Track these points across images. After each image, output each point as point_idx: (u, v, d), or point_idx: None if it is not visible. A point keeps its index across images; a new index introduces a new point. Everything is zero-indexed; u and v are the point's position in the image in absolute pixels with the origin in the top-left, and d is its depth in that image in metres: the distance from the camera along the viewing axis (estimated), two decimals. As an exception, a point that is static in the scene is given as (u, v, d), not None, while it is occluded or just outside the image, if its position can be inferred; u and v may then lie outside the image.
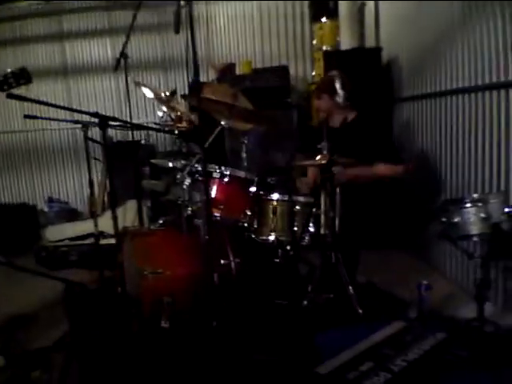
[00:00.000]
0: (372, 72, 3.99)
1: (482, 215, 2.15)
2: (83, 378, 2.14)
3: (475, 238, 2.24)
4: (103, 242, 2.85)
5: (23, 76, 1.99)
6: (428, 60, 3.51)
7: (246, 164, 3.12)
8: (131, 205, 3.44)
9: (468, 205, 2.20)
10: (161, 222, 2.62)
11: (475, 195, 2.42)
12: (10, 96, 1.92)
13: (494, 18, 2.54)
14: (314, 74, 4.90)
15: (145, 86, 2.91)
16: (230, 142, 4.01)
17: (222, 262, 2.53)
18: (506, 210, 2.20)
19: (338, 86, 2.99)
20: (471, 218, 2.18)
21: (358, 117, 3.07)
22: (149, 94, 2.85)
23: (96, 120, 2.14)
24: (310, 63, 5.22)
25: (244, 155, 3.25)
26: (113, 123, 2.22)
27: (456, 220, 2.21)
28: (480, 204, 2.18)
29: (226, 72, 4.47)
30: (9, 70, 1.99)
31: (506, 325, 2.43)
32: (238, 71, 4.80)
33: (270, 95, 4.11)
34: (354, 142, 2.78)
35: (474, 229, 2.19)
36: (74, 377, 2.12)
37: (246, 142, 3.12)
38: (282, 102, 4.21)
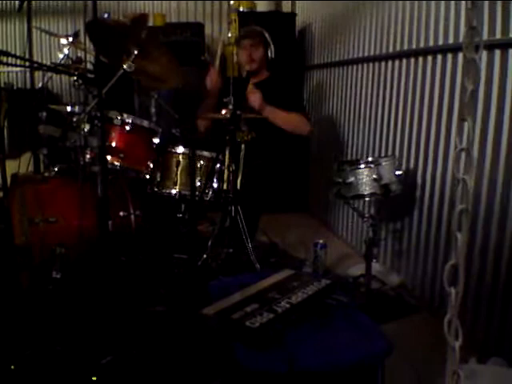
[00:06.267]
0: (286, 37, 4.01)
1: (374, 176, 2.27)
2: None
3: (367, 198, 2.37)
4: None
5: None
6: (337, 30, 3.59)
7: (154, 119, 3.03)
8: (26, 157, 3.21)
9: (362, 166, 2.31)
10: (56, 169, 2.47)
11: (369, 158, 2.55)
12: None
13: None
14: (230, 35, 4.82)
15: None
16: (140, 97, 3.86)
17: (122, 214, 2.46)
18: (397, 172, 2.35)
19: (269, 40, 2.96)
20: (364, 178, 2.29)
21: (270, 78, 3.08)
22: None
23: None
24: (227, 25, 5.12)
25: (153, 110, 3.15)
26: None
27: (350, 180, 2.32)
28: (372, 166, 2.30)
29: (138, 22, 4.26)
30: None
31: (391, 283, 2.64)
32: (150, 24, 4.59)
33: (183, 51, 3.99)
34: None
35: (366, 189, 2.31)
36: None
37: (156, 97, 3.03)
38: (195, 59, 4.11)
